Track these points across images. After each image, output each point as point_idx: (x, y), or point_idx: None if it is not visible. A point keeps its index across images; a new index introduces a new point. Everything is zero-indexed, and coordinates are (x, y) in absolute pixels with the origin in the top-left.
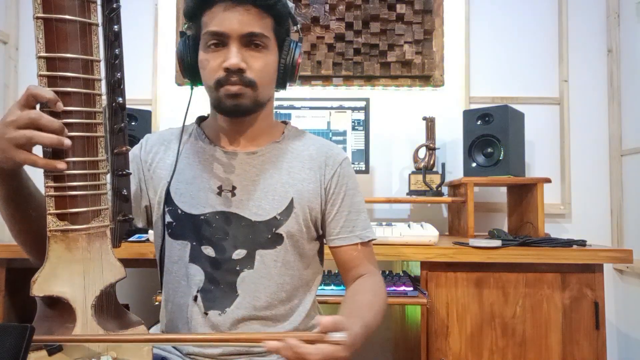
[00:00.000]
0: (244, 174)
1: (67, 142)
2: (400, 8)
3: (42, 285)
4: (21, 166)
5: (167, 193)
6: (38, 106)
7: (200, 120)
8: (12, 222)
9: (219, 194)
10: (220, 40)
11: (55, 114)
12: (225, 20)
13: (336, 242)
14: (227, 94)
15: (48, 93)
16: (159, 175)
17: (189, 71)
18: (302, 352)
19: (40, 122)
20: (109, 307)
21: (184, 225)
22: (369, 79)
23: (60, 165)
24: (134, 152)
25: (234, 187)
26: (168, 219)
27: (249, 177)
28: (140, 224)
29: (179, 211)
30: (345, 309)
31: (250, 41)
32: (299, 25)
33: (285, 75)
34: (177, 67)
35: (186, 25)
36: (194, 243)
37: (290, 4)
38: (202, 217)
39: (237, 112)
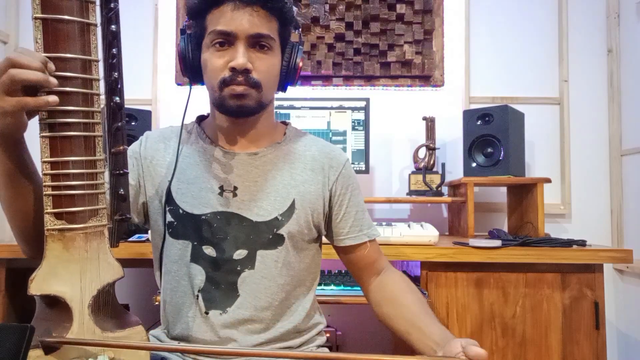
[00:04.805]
0: (245, 175)
1: (54, 80)
2: (400, 8)
3: (39, 284)
4: (19, 122)
5: (168, 192)
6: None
7: (200, 119)
8: (9, 204)
9: (220, 194)
10: (227, 40)
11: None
12: (233, 20)
13: (346, 241)
14: (232, 94)
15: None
16: (159, 173)
17: (190, 69)
18: None
19: (21, 61)
20: (107, 307)
21: (185, 225)
22: (369, 79)
23: (51, 98)
24: (133, 148)
25: (235, 188)
26: (169, 218)
27: (251, 178)
28: (136, 219)
29: (180, 211)
30: (426, 323)
31: (256, 42)
32: (299, 29)
33: (287, 77)
34: (177, 67)
35: (187, 22)
36: (195, 243)
37: (294, 8)
38: (204, 217)
39: (241, 113)
